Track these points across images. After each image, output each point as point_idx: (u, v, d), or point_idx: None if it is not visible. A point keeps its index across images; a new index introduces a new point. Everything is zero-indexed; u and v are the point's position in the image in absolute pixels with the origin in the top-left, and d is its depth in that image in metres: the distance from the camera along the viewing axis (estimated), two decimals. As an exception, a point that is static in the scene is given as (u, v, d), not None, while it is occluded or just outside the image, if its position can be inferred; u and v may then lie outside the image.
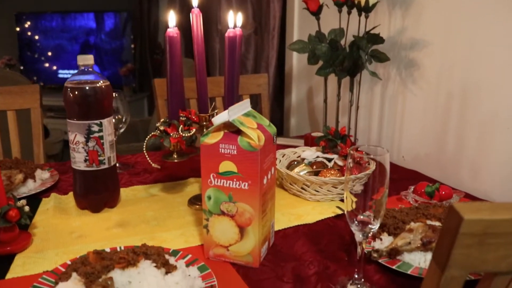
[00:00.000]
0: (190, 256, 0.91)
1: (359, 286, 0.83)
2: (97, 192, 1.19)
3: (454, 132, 1.44)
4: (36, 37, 5.11)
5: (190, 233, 1.07)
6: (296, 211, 1.19)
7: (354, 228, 0.80)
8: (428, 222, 0.94)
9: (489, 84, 1.31)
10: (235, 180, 0.87)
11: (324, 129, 1.43)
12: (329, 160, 1.37)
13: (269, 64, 2.48)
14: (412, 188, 1.27)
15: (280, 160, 1.42)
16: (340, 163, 1.35)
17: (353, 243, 1.01)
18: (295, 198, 1.27)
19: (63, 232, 1.09)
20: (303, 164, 1.34)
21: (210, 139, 0.87)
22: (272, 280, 0.87)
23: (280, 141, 1.80)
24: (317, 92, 2.19)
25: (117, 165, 1.56)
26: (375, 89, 1.76)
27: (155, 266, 0.78)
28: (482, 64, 1.33)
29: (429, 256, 0.89)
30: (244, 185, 0.86)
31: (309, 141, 1.66)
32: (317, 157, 1.40)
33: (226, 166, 0.86)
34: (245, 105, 0.93)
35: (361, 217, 0.80)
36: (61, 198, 1.28)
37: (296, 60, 2.35)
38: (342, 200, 1.25)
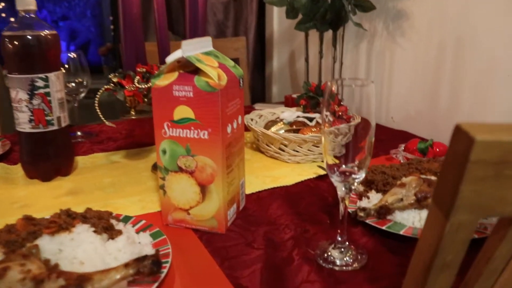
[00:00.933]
0: (143, 222, 0.77)
1: (342, 250, 0.70)
2: (46, 157, 1.04)
3: (448, 85, 1.31)
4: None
5: (149, 199, 0.93)
6: (272, 174, 1.05)
7: (335, 179, 0.66)
8: (422, 176, 0.81)
9: (487, 28, 1.18)
10: (192, 128, 0.72)
11: (305, 86, 1.29)
12: (311, 119, 1.23)
13: (248, 29, 2.32)
14: (402, 146, 1.14)
15: (256, 121, 1.28)
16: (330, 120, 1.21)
17: (336, 205, 0.88)
18: (272, 161, 1.14)
19: (4, 202, 0.94)
20: (281, 123, 1.20)
21: (162, 80, 0.73)
22: (240, 247, 0.73)
23: (260, 106, 1.67)
24: (299, 56, 2.04)
25: (78, 133, 1.42)
26: (360, 46, 1.62)
27: (94, 231, 0.64)
28: (478, 6, 1.19)
29: (424, 214, 0.76)
30: (204, 134, 0.72)
31: (290, 102, 1.52)
32: (297, 117, 1.26)
33: (182, 112, 0.72)
34: (205, 43, 0.79)
35: (344, 167, 0.66)
36: (10, 168, 1.13)
37: (277, 25, 2.20)
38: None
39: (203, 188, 0.75)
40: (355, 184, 0.66)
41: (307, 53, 1.58)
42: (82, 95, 1.42)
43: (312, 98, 1.27)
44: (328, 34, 1.50)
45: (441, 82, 1.32)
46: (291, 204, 0.89)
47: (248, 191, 0.94)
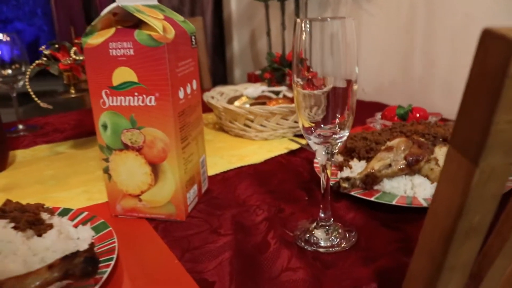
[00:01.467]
0: (85, 213, 0.63)
1: (327, 228, 0.58)
2: (-28, 151, 0.89)
3: (422, 50, 1.21)
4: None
5: (96, 189, 0.79)
6: (238, 152, 0.93)
7: (313, 141, 0.55)
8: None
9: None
10: (136, 94, 0.59)
11: (268, 58, 1.17)
12: (277, 93, 1.12)
13: (205, 11, 2.19)
14: (379, 114, 1.04)
15: (217, 99, 1.15)
16: (290, 94, 1.10)
17: (313, 181, 0.76)
18: (238, 139, 1.01)
19: None
20: (245, 98, 1.08)
21: (96, 38, 0.59)
22: (204, 235, 0.61)
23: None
24: (260, 34, 1.92)
25: (20, 127, 1.26)
26: (325, 16, 1.51)
27: (14, 227, 0.51)
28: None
29: (417, 180, 0.65)
30: (150, 100, 0.59)
31: (253, 80, 1.39)
32: (262, 91, 1.14)
33: (122, 74, 0.59)
34: (147, -6, 0.65)
35: (323, 127, 0.54)
36: None
37: (235, 4, 2.07)
38: (297, 135, 1.00)
39: (155, 168, 0.62)
40: (338, 145, 0.55)
41: (268, 27, 1.46)
42: (21, 83, 1.26)
43: (277, 70, 1.15)
44: (290, 4, 1.38)
45: (414, 47, 1.23)
46: (261, 183, 0.77)
47: (212, 172, 0.82)
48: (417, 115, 0.99)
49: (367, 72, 1.41)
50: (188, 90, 0.64)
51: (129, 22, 0.60)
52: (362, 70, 1.42)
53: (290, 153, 0.91)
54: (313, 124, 0.55)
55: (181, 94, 0.61)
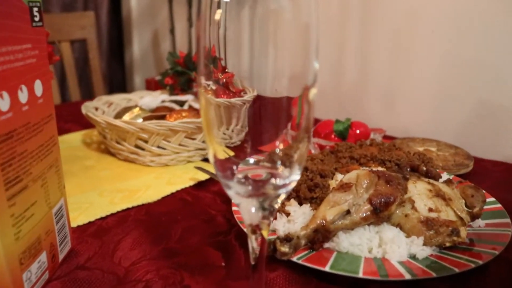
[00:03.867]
0: None
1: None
2: None
3: (356, 52, 1.03)
4: None
5: None
6: (126, 186, 0.67)
7: (235, 190, 0.31)
8: (369, 169, 0.49)
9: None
10: None
11: (170, 58, 0.92)
12: (181, 104, 0.87)
13: (99, 5, 1.88)
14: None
15: (104, 111, 0.88)
16: (197, 105, 0.86)
17: (232, 229, 0.53)
18: (128, 166, 0.75)
19: None
20: (137, 109, 0.82)
21: None
22: None
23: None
24: (164, 35, 1.66)
25: None
26: (241, 13, 1.29)
27: None
28: None
29: (387, 233, 0.44)
30: None
31: (153, 87, 1.14)
32: (162, 101, 0.89)
33: None
34: None
35: (250, 162, 0.32)
36: None
37: (135, 1, 1.79)
38: (205, 160, 0.76)
39: (-44, 235, 0.35)
40: (281, 197, 0.31)
41: (172, 24, 1.21)
42: None
43: (182, 74, 0.90)
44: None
45: (347, 48, 1.04)
46: (156, 236, 0.52)
47: (81, 220, 0.55)
48: (357, 131, 0.79)
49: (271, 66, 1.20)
50: (23, 97, 0.38)
51: None
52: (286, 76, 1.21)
53: (198, 185, 0.67)
54: (231, 154, 0.32)
55: (2, 104, 0.35)
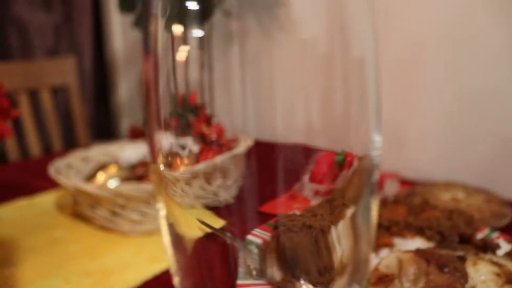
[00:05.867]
0: None
1: None
2: None
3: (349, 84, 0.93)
4: None
5: None
6: (99, 265, 0.55)
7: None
8: (398, 240, 0.37)
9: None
10: None
11: (171, 98, 0.81)
12: (183, 147, 0.76)
13: (82, 50, 1.79)
14: (307, 175, 0.71)
15: (78, 171, 0.77)
16: (195, 149, 0.75)
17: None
18: (103, 236, 0.63)
19: None
20: (114, 166, 0.71)
21: None
22: None
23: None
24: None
25: None
26: (231, 50, 1.20)
27: None
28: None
29: None
30: None
31: (137, 135, 1.03)
32: (171, 145, 0.78)
33: None
34: None
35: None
36: None
37: (121, 39, 1.71)
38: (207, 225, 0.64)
39: None
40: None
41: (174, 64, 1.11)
42: None
43: (182, 116, 0.80)
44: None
45: (338, 77, 0.94)
46: None
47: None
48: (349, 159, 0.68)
49: (283, 113, 1.10)
50: None
51: None
52: (278, 112, 1.11)
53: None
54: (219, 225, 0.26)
55: None
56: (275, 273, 0.40)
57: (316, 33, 0.73)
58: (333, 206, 0.33)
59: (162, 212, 0.23)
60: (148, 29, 0.27)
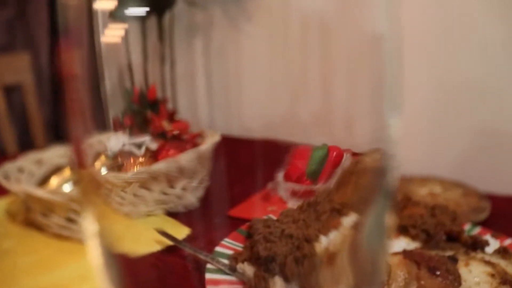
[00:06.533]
0: None
1: None
2: None
3: (318, 72, 0.90)
4: None
5: None
6: (53, 279, 0.50)
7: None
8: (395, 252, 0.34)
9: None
10: None
11: (126, 95, 0.78)
12: (139, 146, 0.72)
13: (39, 49, 1.71)
14: (281, 173, 0.67)
15: (31, 175, 0.71)
16: (154, 146, 0.71)
17: None
18: (58, 245, 0.57)
19: None
20: (68, 171, 0.66)
21: None
22: None
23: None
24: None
25: None
26: (194, 43, 1.16)
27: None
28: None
29: None
30: None
31: (117, 127, 0.98)
32: (123, 145, 0.73)
33: None
34: None
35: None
36: None
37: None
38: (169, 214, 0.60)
39: None
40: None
41: (129, 58, 1.06)
42: None
43: (139, 112, 0.76)
44: (152, 31, 1.02)
45: (308, 70, 0.91)
46: None
47: None
48: (334, 153, 0.65)
49: (251, 106, 1.07)
50: None
51: None
52: (246, 105, 1.08)
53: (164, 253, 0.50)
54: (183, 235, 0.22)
55: None
56: (246, 268, 0.36)
57: (284, 22, 0.69)
58: (318, 211, 0.29)
59: (93, 228, 0.19)
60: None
